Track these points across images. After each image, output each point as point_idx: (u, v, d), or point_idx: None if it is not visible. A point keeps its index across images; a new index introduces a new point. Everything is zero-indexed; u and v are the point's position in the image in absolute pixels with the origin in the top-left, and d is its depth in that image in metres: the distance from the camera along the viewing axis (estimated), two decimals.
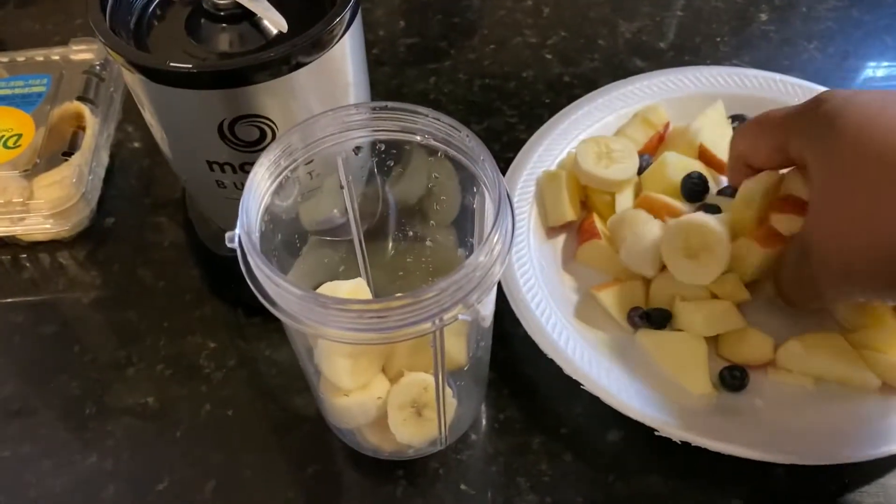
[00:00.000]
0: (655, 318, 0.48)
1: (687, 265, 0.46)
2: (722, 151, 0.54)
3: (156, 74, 0.36)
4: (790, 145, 0.42)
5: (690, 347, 0.46)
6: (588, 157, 0.51)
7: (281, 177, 0.35)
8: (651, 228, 0.47)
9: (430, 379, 0.38)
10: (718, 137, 0.54)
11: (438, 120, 0.35)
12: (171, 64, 0.35)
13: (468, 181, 0.36)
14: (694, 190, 0.50)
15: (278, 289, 0.31)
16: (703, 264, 0.45)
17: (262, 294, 0.32)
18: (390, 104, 0.35)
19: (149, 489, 0.44)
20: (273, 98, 0.37)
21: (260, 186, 0.34)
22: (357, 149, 0.37)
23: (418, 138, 0.36)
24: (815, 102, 0.40)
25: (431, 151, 0.36)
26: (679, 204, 0.50)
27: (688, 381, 0.45)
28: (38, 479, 0.45)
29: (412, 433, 0.40)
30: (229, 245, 0.32)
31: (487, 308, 0.40)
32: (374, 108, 0.36)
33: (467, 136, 0.35)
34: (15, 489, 0.45)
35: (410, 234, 0.44)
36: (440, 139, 0.36)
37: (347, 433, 0.44)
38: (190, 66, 0.35)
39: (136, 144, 0.62)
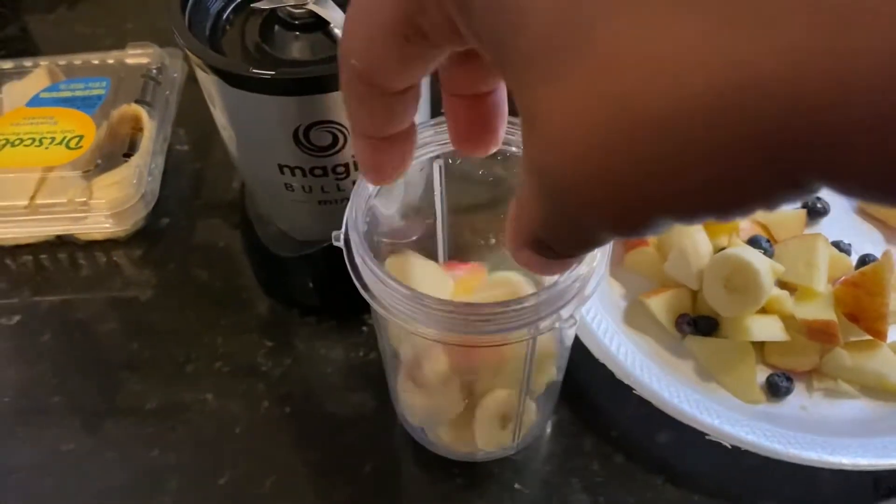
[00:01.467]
0: (702, 326, 0.49)
1: (725, 297, 0.47)
2: None
3: (236, 79, 0.37)
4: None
5: (739, 355, 0.47)
6: None
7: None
8: (699, 241, 0.49)
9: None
10: None
11: None
12: (253, 70, 0.37)
13: None
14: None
15: (384, 287, 0.32)
16: (741, 300, 0.46)
17: (364, 289, 0.33)
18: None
19: (210, 483, 0.46)
20: None
21: (367, 187, 0.35)
22: (454, 156, 0.38)
23: (514, 149, 0.37)
24: None
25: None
26: None
27: (736, 388, 0.46)
28: (102, 472, 0.46)
29: (492, 440, 0.41)
30: (335, 243, 0.34)
31: (571, 332, 0.41)
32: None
33: None
34: (79, 482, 0.46)
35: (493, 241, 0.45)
36: None
37: (419, 431, 0.45)
38: (272, 72, 0.36)
39: (186, 147, 0.64)
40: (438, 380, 0.39)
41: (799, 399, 0.47)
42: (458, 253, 0.44)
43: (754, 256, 0.46)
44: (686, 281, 0.49)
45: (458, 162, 0.39)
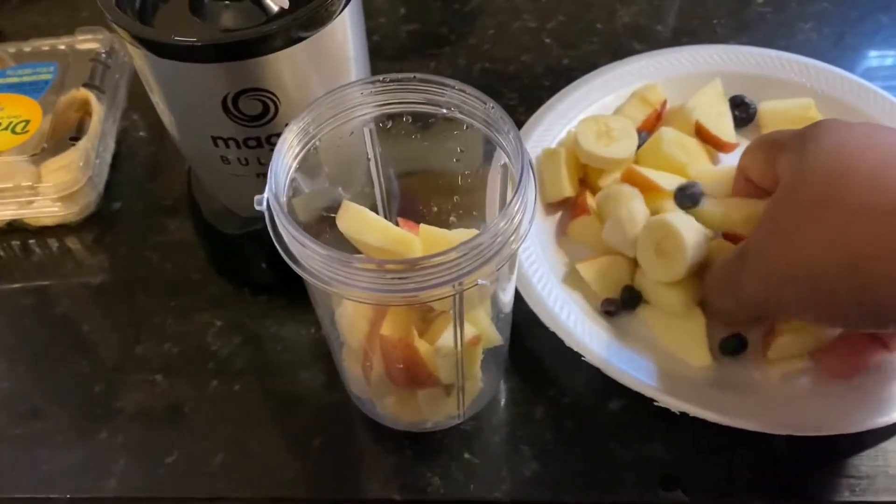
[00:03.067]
0: (627, 300, 0.48)
1: (656, 263, 0.46)
2: (718, 128, 0.54)
3: (160, 48, 0.37)
4: (778, 163, 0.41)
5: (689, 321, 0.47)
6: (588, 136, 0.52)
7: (309, 146, 0.36)
8: (635, 209, 0.48)
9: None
10: (716, 115, 0.55)
11: (464, 92, 0.36)
12: (176, 38, 0.36)
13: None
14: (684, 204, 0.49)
15: (304, 249, 0.31)
16: (669, 264, 0.46)
17: (288, 255, 0.32)
18: (418, 75, 0.36)
19: (158, 462, 0.45)
20: (274, 72, 0.38)
21: (288, 152, 0.35)
22: (386, 120, 0.37)
23: (444, 111, 0.36)
24: (812, 125, 0.40)
25: (457, 124, 0.37)
26: (662, 181, 0.50)
27: (687, 354, 0.46)
28: (50, 455, 0.46)
29: (437, 410, 0.41)
30: (257, 207, 0.33)
31: (508, 294, 0.41)
32: (401, 80, 0.36)
33: (492, 107, 0.35)
34: (28, 465, 0.46)
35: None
36: (466, 111, 0.37)
37: (367, 402, 0.44)
38: (194, 39, 0.36)
39: (142, 133, 0.63)
40: (375, 347, 0.38)
41: (751, 364, 0.46)
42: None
43: (683, 223, 0.45)
44: (622, 248, 0.48)
45: (389, 126, 0.39)
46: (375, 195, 0.42)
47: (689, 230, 0.44)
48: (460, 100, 0.36)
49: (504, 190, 0.38)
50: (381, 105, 0.37)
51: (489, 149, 0.38)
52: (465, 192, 0.42)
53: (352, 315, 0.38)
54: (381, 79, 0.36)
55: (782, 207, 0.39)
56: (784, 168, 0.40)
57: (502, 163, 0.37)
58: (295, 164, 0.36)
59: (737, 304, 0.42)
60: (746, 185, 0.45)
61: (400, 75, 0.36)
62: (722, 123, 0.55)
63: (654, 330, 0.47)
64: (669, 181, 0.51)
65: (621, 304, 0.48)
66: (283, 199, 0.33)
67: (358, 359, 0.41)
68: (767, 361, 0.46)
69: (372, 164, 0.40)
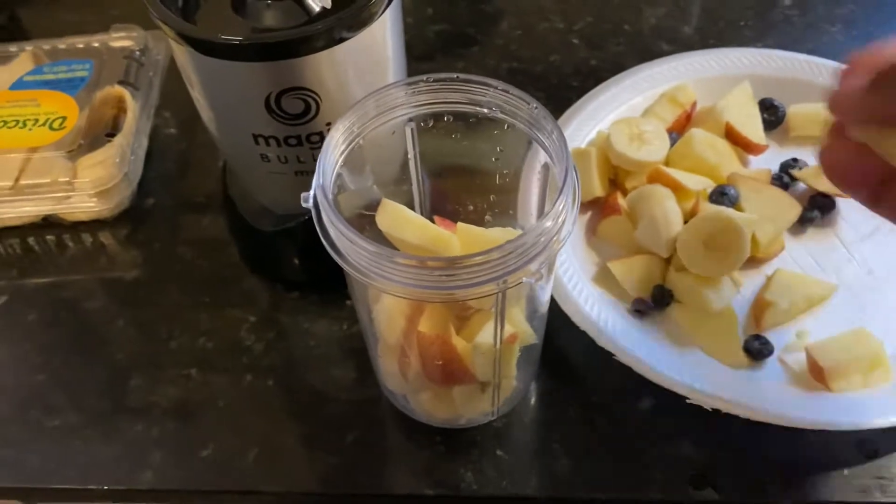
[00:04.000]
0: (659, 300, 0.49)
1: (705, 257, 0.47)
2: (748, 130, 0.55)
3: (206, 47, 0.38)
4: None
5: (721, 320, 0.47)
6: (621, 139, 0.52)
7: (353, 143, 0.37)
8: (669, 209, 0.49)
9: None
10: (745, 116, 0.55)
11: (507, 92, 0.36)
12: (222, 36, 0.37)
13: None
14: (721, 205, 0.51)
15: (350, 244, 0.32)
16: (723, 257, 0.47)
17: (333, 249, 0.33)
18: (461, 75, 0.37)
19: (193, 456, 0.46)
20: (317, 71, 0.39)
21: (335, 149, 0.36)
22: (428, 119, 0.38)
23: (486, 111, 0.37)
24: None
25: (498, 124, 0.38)
26: (689, 182, 0.51)
27: (720, 353, 0.46)
28: (86, 447, 0.47)
29: (472, 406, 0.41)
30: (304, 204, 0.34)
31: (545, 293, 0.41)
32: (444, 80, 0.37)
33: (536, 107, 0.36)
34: (64, 456, 0.46)
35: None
36: (508, 111, 0.37)
37: (401, 398, 0.45)
38: (240, 38, 0.37)
39: (173, 130, 0.64)
40: (412, 344, 0.39)
41: (782, 360, 0.47)
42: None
43: (739, 217, 0.46)
44: (655, 248, 0.49)
45: (431, 125, 0.39)
46: (413, 193, 0.43)
47: (747, 225, 0.46)
48: (503, 100, 0.37)
49: (544, 190, 0.39)
50: (423, 105, 0.38)
51: (527, 149, 0.39)
52: (502, 192, 0.43)
53: (390, 311, 0.39)
54: (424, 79, 0.37)
55: None
56: None
57: (543, 163, 0.37)
58: (340, 161, 0.36)
59: None
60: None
61: (443, 75, 0.37)
62: (752, 125, 0.55)
63: (686, 329, 0.47)
64: (696, 182, 0.51)
65: (652, 302, 0.48)
66: (331, 196, 0.33)
67: (394, 355, 0.41)
68: (796, 358, 0.46)
69: (412, 162, 0.40)
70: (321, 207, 0.33)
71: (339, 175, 0.36)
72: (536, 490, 0.44)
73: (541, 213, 0.41)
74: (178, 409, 0.48)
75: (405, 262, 0.32)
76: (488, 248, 0.31)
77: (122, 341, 0.51)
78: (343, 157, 0.36)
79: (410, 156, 0.40)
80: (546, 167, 0.37)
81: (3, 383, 0.50)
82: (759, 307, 0.48)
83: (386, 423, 0.47)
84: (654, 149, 0.52)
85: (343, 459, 0.45)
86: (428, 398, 0.43)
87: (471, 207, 0.44)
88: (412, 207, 0.44)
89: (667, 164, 0.53)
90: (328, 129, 0.41)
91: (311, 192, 0.34)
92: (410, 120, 0.38)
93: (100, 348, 0.51)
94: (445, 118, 0.38)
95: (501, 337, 0.37)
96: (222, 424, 0.47)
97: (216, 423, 0.47)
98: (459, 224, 0.38)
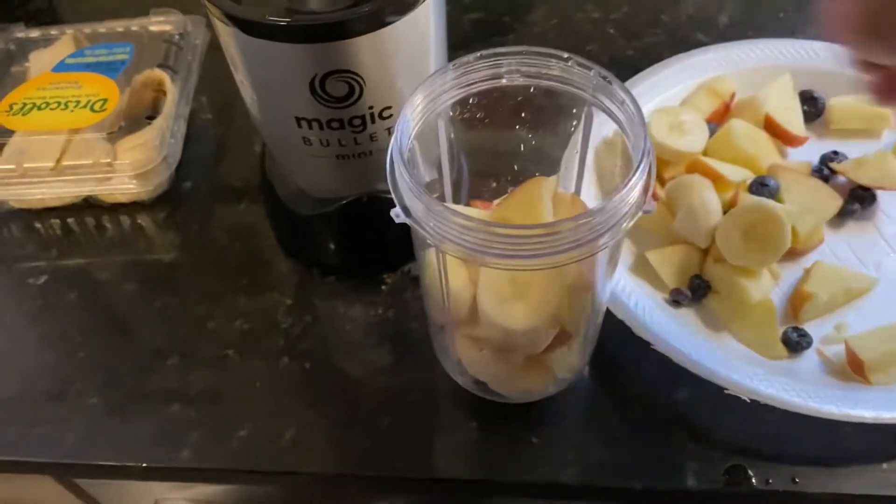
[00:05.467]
0: (696, 291, 0.48)
1: (744, 248, 0.46)
2: (788, 122, 0.54)
3: (252, 27, 0.38)
4: None
5: (759, 312, 0.47)
6: (661, 128, 0.52)
7: (427, 116, 0.37)
8: (708, 199, 0.48)
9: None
10: (785, 108, 0.55)
11: (583, 65, 0.37)
12: (269, 17, 0.37)
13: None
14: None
15: (445, 223, 0.32)
16: (763, 248, 0.46)
17: (430, 234, 0.33)
18: (527, 48, 0.37)
19: (230, 436, 0.46)
20: (363, 54, 0.39)
21: (413, 118, 0.36)
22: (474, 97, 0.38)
23: (555, 84, 0.37)
24: None
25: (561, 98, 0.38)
26: (729, 173, 0.51)
27: (757, 344, 0.46)
28: (125, 426, 0.47)
29: (566, 364, 0.43)
30: (397, 221, 0.33)
31: (606, 292, 0.41)
32: (522, 53, 0.37)
33: (604, 76, 0.36)
34: (104, 433, 0.47)
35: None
36: (577, 84, 0.37)
37: (472, 381, 0.45)
38: (287, 19, 0.37)
39: (210, 115, 0.64)
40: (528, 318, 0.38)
41: (817, 355, 0.46)
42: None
43: (780, 208, 0.46)
44: (694, 239, 0.48)
45: (475, 103, 0.39)
46: (443, 180, 0.43)
47: (787, 216, 0.46)
48: (573, 72, 0.37)
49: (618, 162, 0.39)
50: (487, 80, 0.38)
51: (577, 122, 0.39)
52: (535, 163, 0.43)
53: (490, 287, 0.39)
54: (492, 52, 0.37)
55: None
56: None
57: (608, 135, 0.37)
58: (415, 133, 0.36)
59: None
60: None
61: (507, 49, 0.37)
62: (792, 117, 0.55)
63: (724, 320, 0.47)
64: (735, 173, 0.51)
65: (689, 293, 0.48)
66: (423, 179, 0.33)
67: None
68: (835, 350, 0.46)
69: (446, 148, 0.41)
70: (413, 192, 0.32)
71: (411, 147, 0.36)
72: (571, 477, 0.44)
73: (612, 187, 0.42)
74: (215, 389, 0.48)
75: (508, 233, 0.31)
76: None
77: (160, 322, 0.52)
78: (418, 127, 0.36)
79: (445, 142, 0.40)
80: (615, 139, 0.37)
81: (42, 361, 0.51)
82: (798, 299, 0.48)
83: (421, 408, 0.47)
84: (693, 139, 0.52)
85: (378, 443, 0.46)
86: (519, 372, 0.43)
87: (510, 189, 0.44)
88: (444, 192, 0.44)
89: (705, 154, 0.53)
90: (370, 113, 0.42)
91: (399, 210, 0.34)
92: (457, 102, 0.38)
93: (138, 329, 0.52)
94: (494, 94, 0.38)
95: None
96: (259, 406, 0.47)
97: (253, 405, 0.48)
98: (494, 203, 0.38)
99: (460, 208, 0.38)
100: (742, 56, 0.59)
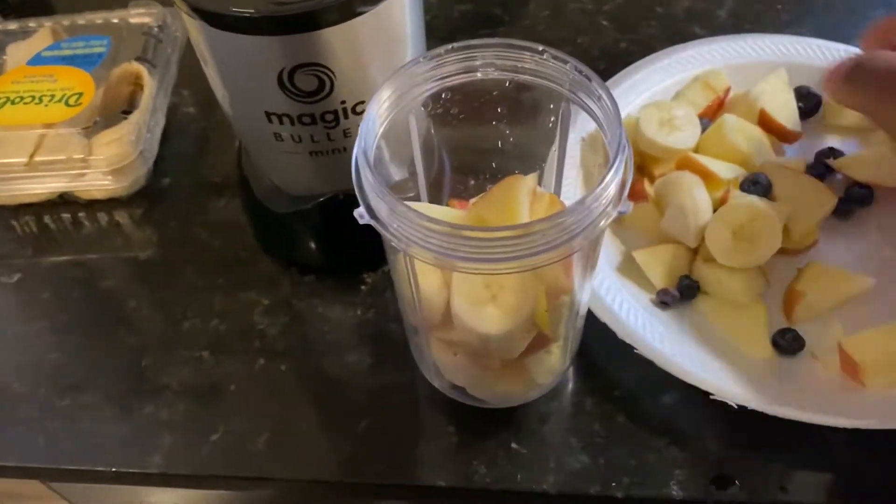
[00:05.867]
0: (685, 292, 0.47)
1: (733, 247, 0.45)
2: (783, 118, 0.53)
3: (217, 19, 0.36)
4: None
5: (749, 313, 0.46)
6: (650, 124, 0.50)
7: (395, 111, 0.35)
8: (698, 197, 0.47)
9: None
10: (781, 104, 0.53)
11: (557, 58, 0.35)
12: (233, 9, 0.35)
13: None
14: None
15: (410, 226, 0.30)
16: (752, 248, 0.45)
17: (398, 240, 0.31)
18: (501, 40, 0.36)
19: (203, 439, 0.45)
20: (332, 46, 0.37)
21: (379, 115, 0.34)
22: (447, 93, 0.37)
23: (529, 78, 0.35)
24: None
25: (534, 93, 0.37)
26: (719, 170, 0.49)
27: (748, 345, 0.45)
28: (97, 428, 0.46)
29: (547, 370, 0.41)
30: (361, 221, 0.32)
31: (586, 294, 0.40)
32: (496, 45, 0.36)
33: (580, 70, 0.34)
34: (74, 436, 0.46)
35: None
36: (550, 77, 0.36)
37: (450, 386, 0.44)
38: (252, 10, 0.35)
39: (191, 109, 0.63)
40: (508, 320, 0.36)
41: (811, 356, 0.45)
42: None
43: (771, 206, 0.45)
44: (682, 237, 0.47)
45: (448, 97, 0.37)
46: (417, 174, 0.41)
47: (780, 215, 0.44)
48: (548, 66, 0.35)
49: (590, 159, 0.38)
50: (461, 73, 0.36)
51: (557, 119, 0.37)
52: (523, 163, 0.41)
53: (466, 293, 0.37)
54: (465, 45, 0.35)
55: None
56: None
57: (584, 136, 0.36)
58: (381, 131, 0.35)
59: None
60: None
61: (480, 41, 0.36)
62: (787, 113, 0.53)
63: (713, 321, 0.46)
64: (726, 170, 0.49)
65: (679, 293, 0.46)
66: (385, 183, 0.31)
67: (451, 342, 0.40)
68: (829, 353, 0.44)
69: (417, 144, 0.39)
70: (377, 194, 0.31)
71: (378, 146, 0.35)
72: (551, 485, 0.42)
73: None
74: (190, 391, 0.47)
75: (477, 235, 0.30)
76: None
77: (135, 321, 0.51)
78: (385, 125, 0.35)
79: (418, 139, 0.38)
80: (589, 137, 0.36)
81: (15, 361, 0.49)
82: (791, 299, 0.46)
83: (399, 412, 0.45)
84: (684, 135, 0.50)
85: (355, 448, 0.44)
86: (496, 377, 0.41)
87: (489, 187, 0.43)
88: (418, 191, 0.43)
89: (697, 150, 0.51)
90: (343, 108, 0.40)
91: (353, 171, 0.33)
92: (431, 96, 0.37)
93: (113, 328, 0.51)
94: (465, 92, 0.37)
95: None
96: (233, 408, 0.46)
97: (227, 407, 0.46)
98: (471, 202, 0.37)
99: (430, 208, 0.37)
100: (738, 50, 0.57)
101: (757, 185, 0.48)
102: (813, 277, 0.46)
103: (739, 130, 0.51)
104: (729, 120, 0.51)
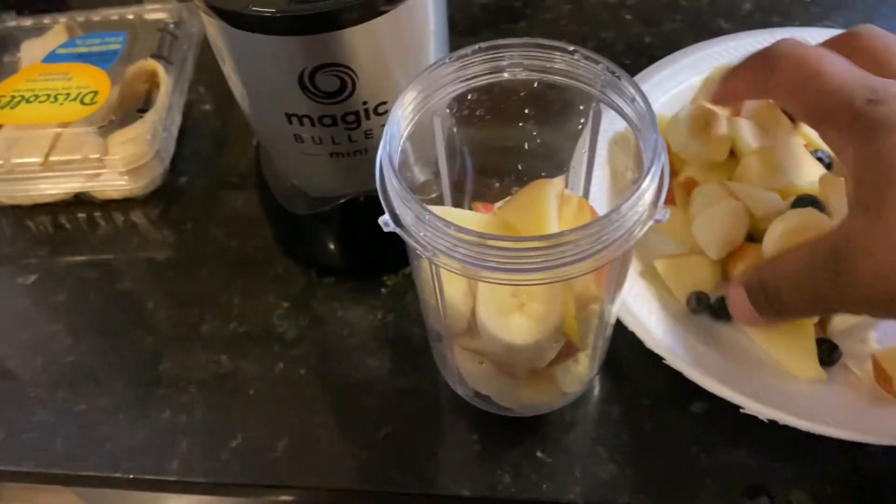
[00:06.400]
0: (717, 308, 0.45)
1: None
2: None
3: (237, 19, 0.35)
4: (827, 133, 0.38)
5: (797, 329, 0.43)
6: (684, 128, 0.48)
7: (422, 112, 0.34)
8: (727, 207, 0.45)
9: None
10: None
11: (589, 58, 0.34)
12: (253, 8, 0.34)
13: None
14: None
15: (435, 232, 0.29)
16: None
17: (422, 248, 0.30)
18: (528, 40, 0.35)
19: (222, 445, 0.44)
20: (354, 46, 0.36)
21: (405, 117, 0.33)
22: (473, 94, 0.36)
23: (559, 78, 0.35)
24: (870, 100, 0.35)
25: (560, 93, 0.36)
26: (755, 201, 0.47)
27: (794, 365, 0.43)
28: (114, 433, 0.45)
29: (574, 379, 0.40)
30: (386, 230, 0.31)
31: (616, 303, 0.39)
32: (524, 45, 0.35)
33: (613, 71, 0.33)
34: (91, 442, 0.45)
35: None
36: (582, 79, 0.35)
37: (474, 394, 0.43)
38: (272, 9, 0.34)
39: (208, 107, 0.62)
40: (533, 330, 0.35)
41: (846, 369, 0.43)
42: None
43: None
44: (708, 247, 0.45)
45: (474, 99, 0.36)
46: (441, 178, 0.40)
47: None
48: (578, 66, 0.34)
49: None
50: (487, 74, 0.35)
51: (584, 120, 0.36)
52: (549, 166, 0.40)
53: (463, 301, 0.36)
54: (492, 45, 0.34)
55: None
56: (858, 155, 0.35)
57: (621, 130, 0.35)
58: (406, 134, 0.34)
59: (825, 309, 0.40)
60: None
61: (508, 41, 0.35)
62: None
63: (756, 338, 0.44)
64: (761, 202, 0.47)
65: (714, 310, 0.45)
66: (407, 191, 0.30)
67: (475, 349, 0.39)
68: (862, 366, 0.43)
69: (442, 146, 0.38)
70: (403, 202, 0.30)
71: (403, 148, 0.33)
72: (578, 495, 0.41)
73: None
74: (207, 396, 0.46)
75: (505, 245, 0.29)
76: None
77: (153, 324, 0.50)
78: (410, 128, 0.34)
79: (442, 141, 0.37)
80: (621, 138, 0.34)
81: (30, 364, 0.49)
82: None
83: (422, 418, 0.44)
84: (719, 143, 0.48)
85: (376, 455, 0.43)
86: (522, 386, 0.40)
87: (515, 190, 0.41)
88: (442, 194, 0.42)
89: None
90: (364, 109, 0.39)
91: (377, 173, 0.32)
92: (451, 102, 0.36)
93: (129, 331, 0.50)
94: (496, 90, 0.36)
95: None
96: (252, 414, 0.45)
97: (245, 413, 0.45)
98: (496, 206, 0.36)
99: (455, 213, 0.35)
100: (766, 45, 0.56)
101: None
102: None
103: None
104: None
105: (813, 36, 0.55)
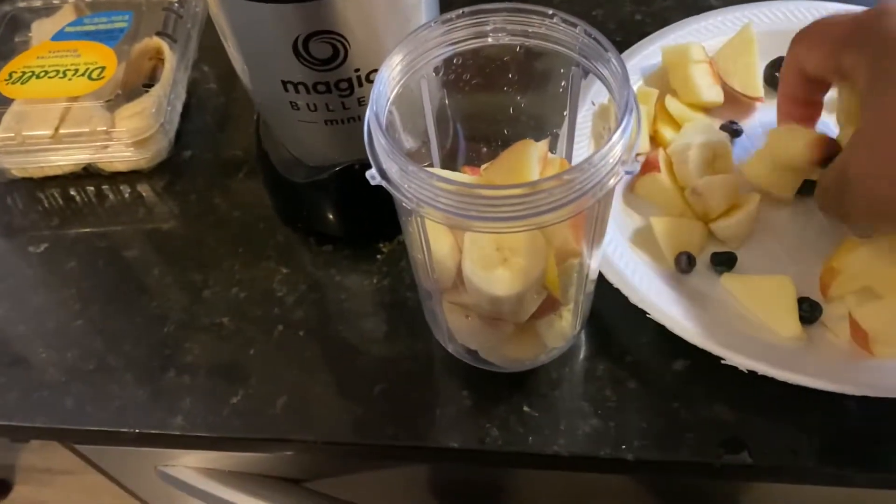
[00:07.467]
0: (722, 260, 0.47)
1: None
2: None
3: None
4: (844, 57, 0.40)
5: (779, 288, 0.45)
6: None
7: (408, 76, 0.36)
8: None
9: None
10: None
11: (568, 22, 0.36)
12: None
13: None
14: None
15: (423, 186, 0.31)
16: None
17: (408, 201, 0.32)
18: (509, 5, 0.36)
19: (223, 402, 0.46)
20: (345, 13, 0.38)
21: (392, 78, 0.35)
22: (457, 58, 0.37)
23: (539, 42, 0.36)
24: (877, 14, 0.38)
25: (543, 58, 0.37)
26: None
27: (775, 322, 0.44)
28: (120, 391, 0.47)
29: (557, 334, 0.42)
30: (372, 182, 0.33)
31: (595, 259, 0.40)
32: (506, 10, 0.36)
33: (590, 33, 0.35)
34: (100, 399, 0.47)
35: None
36: (560, 41, 0.36)
37: (465, 350, 0.44)
38: None
39: (211, 85, 0.64)
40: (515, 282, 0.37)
41: (824, 323, 0.45)
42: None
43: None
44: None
45: (460, 63, 0.38)
46: (430, 139, 0.42)
47: None
48: (558, 30, 0.36)
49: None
50: (472, 38, 0.37)
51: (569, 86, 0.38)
52: (530, 128, 0.42)
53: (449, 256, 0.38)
54: (476, 9, 0.36)
55: (882, 120, 0.37)
56: (864, 68, 0.39)
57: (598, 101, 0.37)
58: (393, 95, 0.35)
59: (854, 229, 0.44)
60: (800, 77, 0.45)
61: (491, 6, 0.36)
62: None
63: (738, 295, 0.45)
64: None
65: (693, 263, 0.47)
66: (388, 142, 0.32)
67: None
68: (842, 321, 0.44)
69: (429, 112, 0.40)
70: (374, 142, 0.32)
71: (390, 111, 0.35)
72: (563, 448, 0.43)
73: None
74: (210, 356, 0.48)
75: (486, 194, 0.31)
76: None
77: (158, 290, 0.52)
78: (397, 90, 0.35)
79: (429, 106, 0.39)
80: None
81: (42, 328, 0.51)
82: (827, 276, 0.45)
83: (413, 376, 0.46)
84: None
85: (370, 411, 0.45)
86: (508, 340, 0.42)
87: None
88: (431, 154, 0.43)
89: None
90: (357, 76, 0.41)
91: (366, 134, 0.33)
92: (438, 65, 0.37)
93: (136, 296, 0.52)
94: (479, 55, 0.37)
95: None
96: (252, 373, 0.47)
97: (246, 372, 0.47)
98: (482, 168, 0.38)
99: (444, 174, 0.37)
100: (755, 20, 0.57)
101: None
102: (852, 257, 0.45)
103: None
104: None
105: (800, 9, 0.57)
